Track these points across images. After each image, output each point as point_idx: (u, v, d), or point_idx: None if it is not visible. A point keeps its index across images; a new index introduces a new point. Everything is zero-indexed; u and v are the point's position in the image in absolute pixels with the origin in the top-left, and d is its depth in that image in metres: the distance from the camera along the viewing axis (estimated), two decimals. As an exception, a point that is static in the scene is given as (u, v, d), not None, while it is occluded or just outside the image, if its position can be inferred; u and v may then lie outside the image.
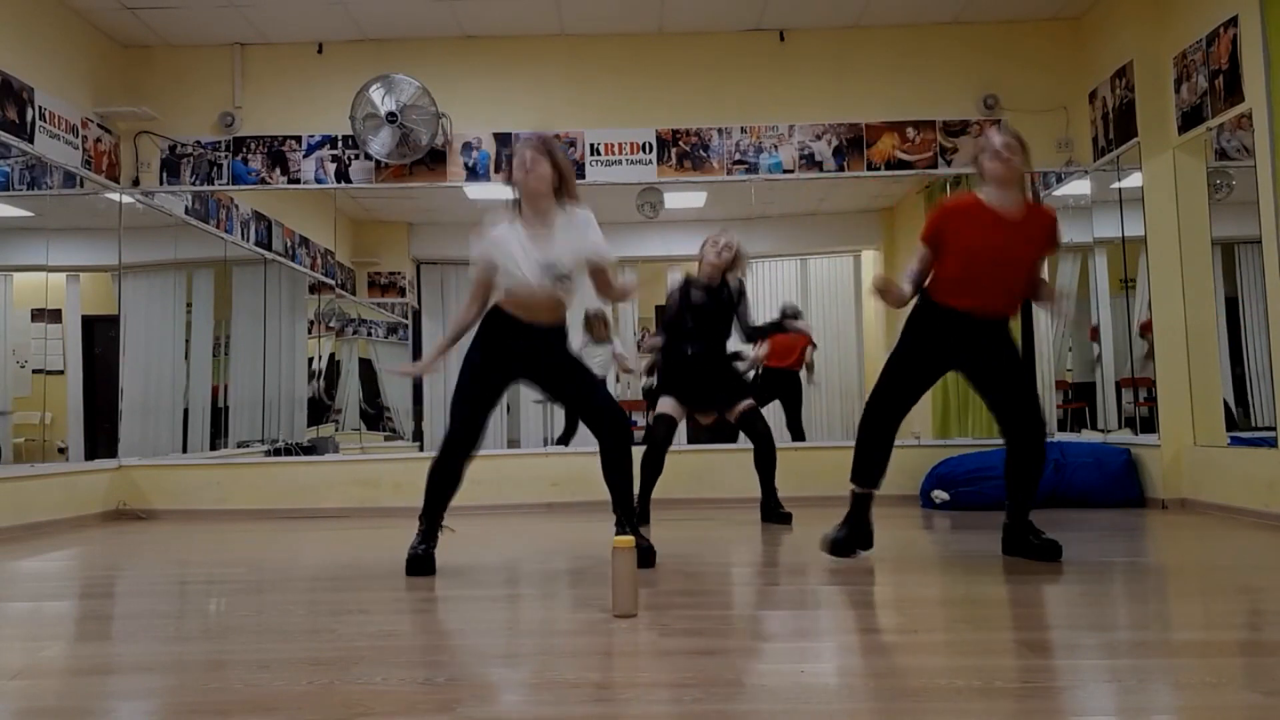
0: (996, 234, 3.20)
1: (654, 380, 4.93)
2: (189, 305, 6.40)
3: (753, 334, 4.74)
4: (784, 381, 6.30)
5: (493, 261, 3.21)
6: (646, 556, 3.23)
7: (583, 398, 3.31)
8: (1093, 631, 2.25)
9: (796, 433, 6.28)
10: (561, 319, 3.32)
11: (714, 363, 4.58)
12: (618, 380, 6.51)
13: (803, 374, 6.42)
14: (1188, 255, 4.95)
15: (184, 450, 6.10)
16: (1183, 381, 4.93)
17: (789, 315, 5.52)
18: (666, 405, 4.52)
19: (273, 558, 3.90)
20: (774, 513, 4.58)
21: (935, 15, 5.70)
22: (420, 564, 3.19)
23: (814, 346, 6.40)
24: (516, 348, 3.24)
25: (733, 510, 5.07)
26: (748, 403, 4.58)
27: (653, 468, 4.44)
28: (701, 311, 4.52)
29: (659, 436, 4.47)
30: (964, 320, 3.24)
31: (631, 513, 3.28)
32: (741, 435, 4.70)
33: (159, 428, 6.04)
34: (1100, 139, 5.48)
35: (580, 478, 5.17)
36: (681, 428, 4.70)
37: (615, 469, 3.25)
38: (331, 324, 6.76)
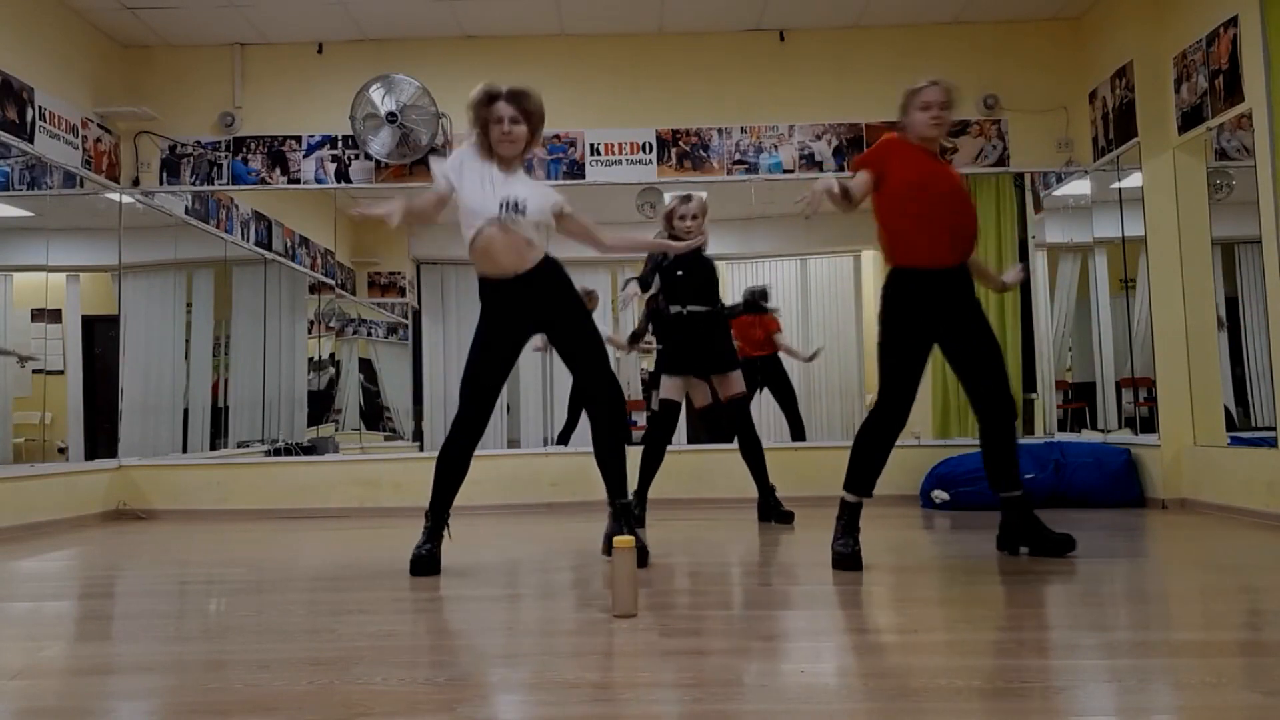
0: (934, 169, 3.28)
1: (649, 366, 4.85)
2: (189, 305, 6.40)
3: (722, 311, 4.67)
4: (767, 368, 6.09)
5: (451, 181, 3.25)
6: (639, 556, 3.22)
7: (587, 360, 3.27)
8: (1093, 631, 2.25)
9: (797, 427, 6.13)
10: (533, 260, 3.25)
11: (709, 319, 4.49)
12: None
13: (786, 342, 6.19)
14: (1188, 255, 4.95)
15: (184, 450, 6.10)
16: (1183, 381, 4.93)
17: (758, 296, 5.38)
18: (669, 389, 4.45)
19: (273, 558, 3.90)
20: (775, 511, 4.55)
21: (935, 15, 5.70)
22: (425, 564, 3.19)
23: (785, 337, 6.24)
24: (515, 306, 3.25)
25: (732, 510, 5.07)
26: (740, 388, 4.54)
27: (654, 457, 4.40)
28: (687, 261, 4.40)
29: (663, 422, 4.42)
30: (934, 280, 3.23)
31: (628, 505, 3.28)
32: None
33: (159, 428, 6.04)
34: (1100, 139, 5.49)
35: (580, 477, 5.17)
36: (682, 426, 4.67)
37: (608, 448, 3.25)
38: (331, 324, 6.76)
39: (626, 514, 3.27)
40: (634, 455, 3.63)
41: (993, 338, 3.33)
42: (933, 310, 3.23)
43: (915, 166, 3.24)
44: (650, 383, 4.70)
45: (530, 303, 3.25)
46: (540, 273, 3.26)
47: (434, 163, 3.42)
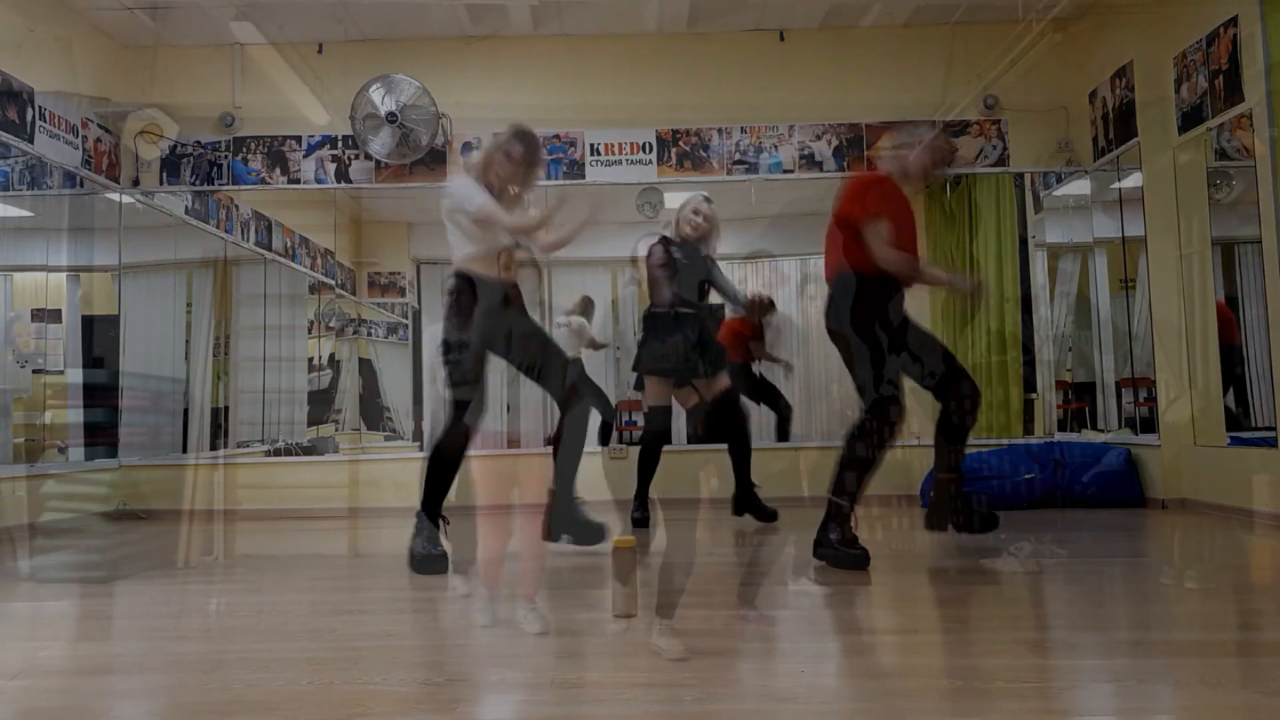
0: (911, 212, 3.36)
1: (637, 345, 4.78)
2: (189, 305, 6.39)
3: (739, 298, 4.63)
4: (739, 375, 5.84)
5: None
6: (594, 534, 3.38)
7: (547, 369, 3.39)
8: (1093, 631, 2.25)
9: (782, 429, 6.00)
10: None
11: (700, 325, 4.46)
12: (618, 394, 6.49)
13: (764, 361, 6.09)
14: (1187, 255, 4.95)
15: (184, 450, 6.09)
16: (1183, 381, 4.93)
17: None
18: (656, 394, 4.42)
19: (273, 558, 3.90)
20: (757, 508, 4.51)
21: (936, 16, 5.70)
22: (435, 563, 3.20)
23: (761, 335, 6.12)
24: (501, 306, 3.32)
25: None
26: (724, 384, 4.51)
27: (650, 461, 4.39)
28: (688, 270, 4.39)
29: (658, 429, 4.40)
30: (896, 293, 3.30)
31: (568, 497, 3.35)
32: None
33: (159, 428, 6.04)
34: (1100, 139, 5.48)
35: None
36: (681, 426, 4.67)
37: (566, 448, 3.41)
38: (331, 324, 6.76)
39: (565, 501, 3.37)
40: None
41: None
42: (891, 315, 3.35)
43: (902, 209, 3.31)
44: (637, 383, 4.63)
45: (508, 308, 3.32)
46: (516, 289, 3.39)
47: (479, 198, 3.32)
